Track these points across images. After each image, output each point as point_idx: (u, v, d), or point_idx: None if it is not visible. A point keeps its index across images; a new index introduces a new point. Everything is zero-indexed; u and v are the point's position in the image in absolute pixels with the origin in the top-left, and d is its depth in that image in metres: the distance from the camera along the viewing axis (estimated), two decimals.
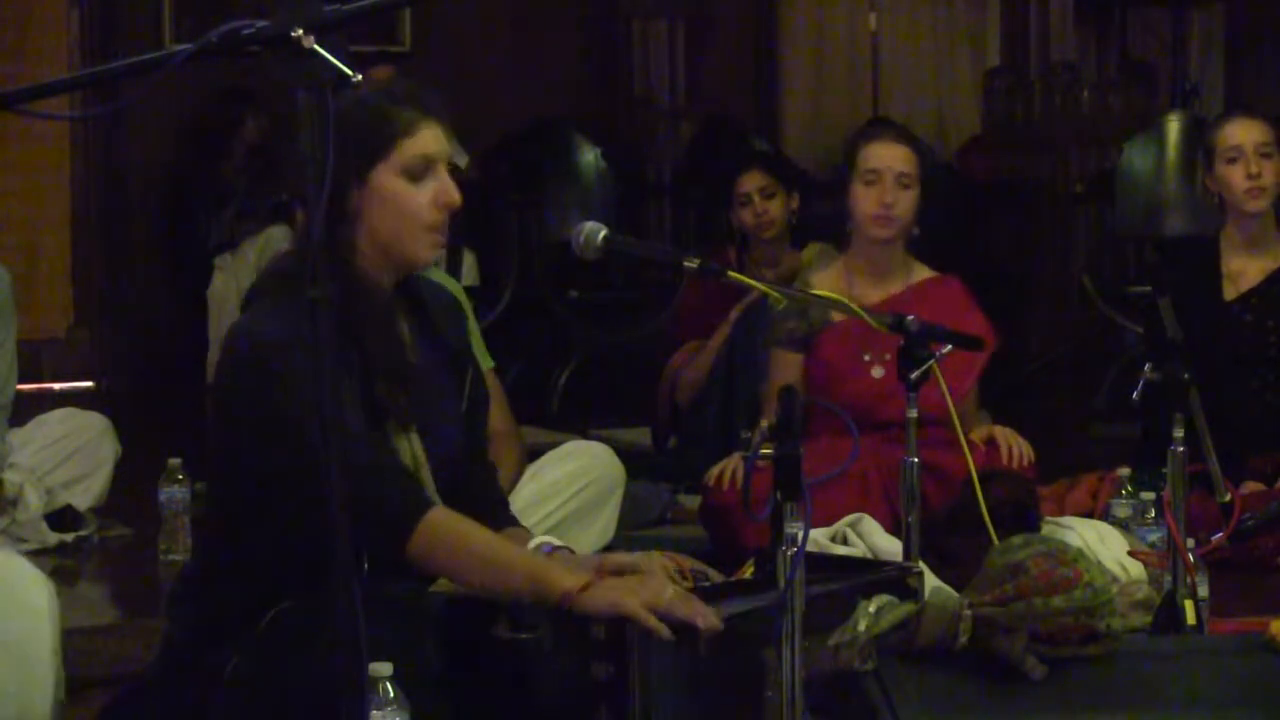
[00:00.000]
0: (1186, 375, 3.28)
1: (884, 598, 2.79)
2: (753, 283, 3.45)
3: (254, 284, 2.91)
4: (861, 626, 2.73)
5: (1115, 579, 3.62)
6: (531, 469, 4.19)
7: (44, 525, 4.63)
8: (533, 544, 2.88)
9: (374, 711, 2.36)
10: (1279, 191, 4.88)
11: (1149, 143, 7.52)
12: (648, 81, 9.66)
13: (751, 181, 5.82)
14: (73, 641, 2.94)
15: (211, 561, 2.91)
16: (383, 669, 2.40)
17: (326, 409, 2.04)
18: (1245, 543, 4.18)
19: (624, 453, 4.43)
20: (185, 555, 4.38)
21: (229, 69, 7.01)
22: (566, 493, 4.15)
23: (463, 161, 6.84)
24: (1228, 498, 3.49)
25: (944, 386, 3.37)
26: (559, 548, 2.89)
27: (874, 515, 4.17)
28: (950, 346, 3.45)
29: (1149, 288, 6.29)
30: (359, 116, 2.79)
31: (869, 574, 3.00)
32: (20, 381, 4.67)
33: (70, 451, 4.81)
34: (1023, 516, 4.08)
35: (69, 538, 4.66)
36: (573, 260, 3.27)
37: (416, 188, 2.83)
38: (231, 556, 2.83)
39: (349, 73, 2.04)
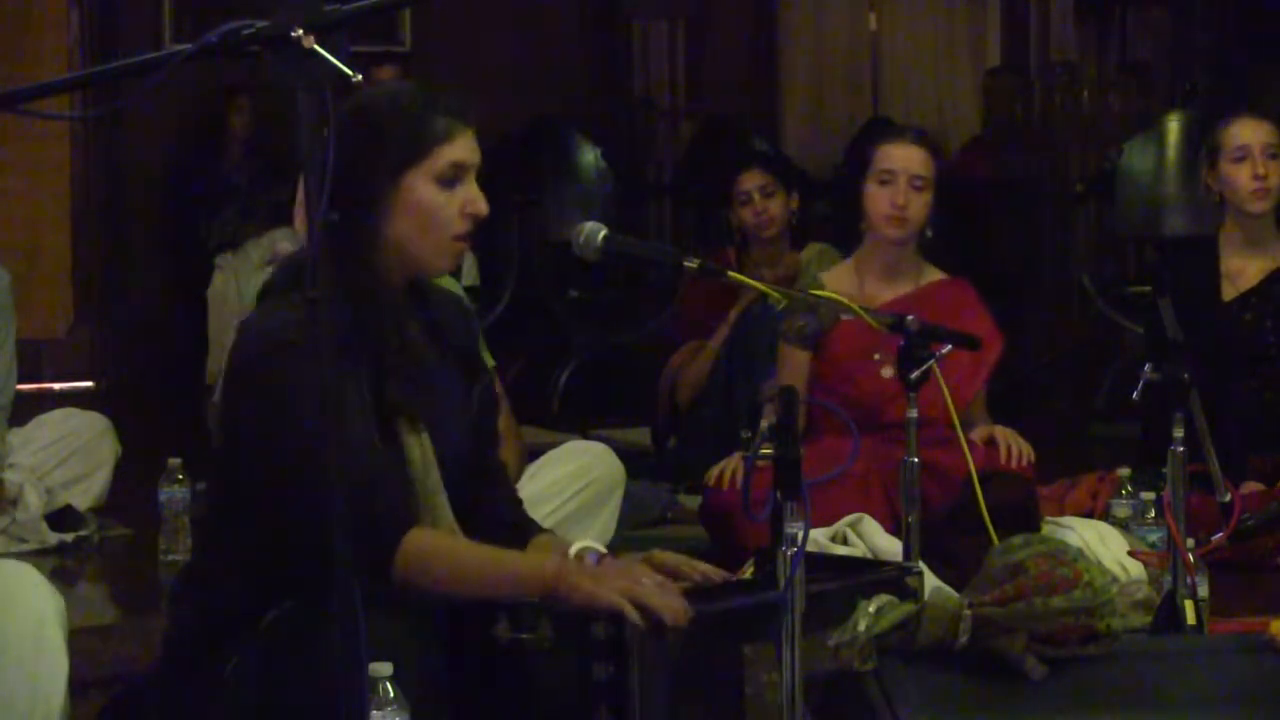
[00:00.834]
0: (1186, 375, 3.28)
1: (884, 598, 2.79)
2: (753, 283, 3.44)
3: (267, 280, 2.92)
4: (861, 626, 2.73)
5: (1115, 579, 3.61)
6: (531, 469, 4.18)
7: (44, 525, 4.62)
8: (574, 550, 2.85)
9: (374, 711, 2.36)
10: None
11: (1149, 143, 7.50)
12: (648, 81, 9.68)
13: (751, 180, 5.82)
14: (73, 641, 2.92)
15: (211, 562, 2.91)
16: (383, 669, 2.40)
17: (327, 410, 2.04)
18: (1245, 543, 4.18)
19: (624, 453, 4.42)
20: (185, 555, 4.37)
21: (229, 68, 7.02)
22: (566, 493, 4.14)
23: None
24: (1228, 498, 3.49)
25: (944, 386, 3.37)
26: (604, 555, 2.86)
27: (874, 515, 4.17)
28: (950, 346, 3.45)
29: (1149, 288, 6.29)
30: (399, 117, 2.80)
31: (869, 574, 3.00)
32: (20, 381, 4.66)
33: (70, 451, 4.80)
34: (1023, 516, 4.08)
35: (69, 538, 4.65)
36: (573, 260, 3.26)
37: (446, 195, 2.84)
38: (231, 557, 2.82)
39: (349, 73, 2.04)
